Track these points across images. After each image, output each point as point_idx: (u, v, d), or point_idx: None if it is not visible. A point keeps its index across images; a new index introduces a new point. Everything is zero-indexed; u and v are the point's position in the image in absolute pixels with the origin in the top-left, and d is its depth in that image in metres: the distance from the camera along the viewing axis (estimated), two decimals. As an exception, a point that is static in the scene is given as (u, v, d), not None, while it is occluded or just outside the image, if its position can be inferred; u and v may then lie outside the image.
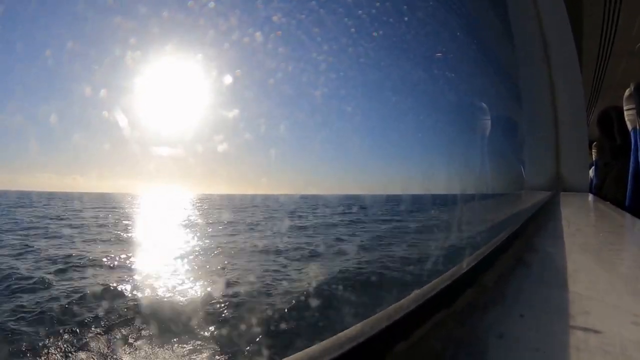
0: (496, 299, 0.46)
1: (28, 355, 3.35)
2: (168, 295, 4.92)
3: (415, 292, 0.38)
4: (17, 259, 6.76)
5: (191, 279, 5.72)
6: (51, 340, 3.53)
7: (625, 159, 1.97)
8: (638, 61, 4.48)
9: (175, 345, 3.44)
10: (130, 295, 4.85)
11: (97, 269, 6.28)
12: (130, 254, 7.40)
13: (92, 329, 3.74)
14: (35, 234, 9.68)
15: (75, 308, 4.24)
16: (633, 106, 1.80)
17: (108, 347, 3.46)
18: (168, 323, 3.83)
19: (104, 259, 6.88)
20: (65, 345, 3.47)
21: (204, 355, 3.28)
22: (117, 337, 3.61)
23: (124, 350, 3.42)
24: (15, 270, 5.84)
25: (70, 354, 3.34)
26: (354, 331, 0.29)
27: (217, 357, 3.23)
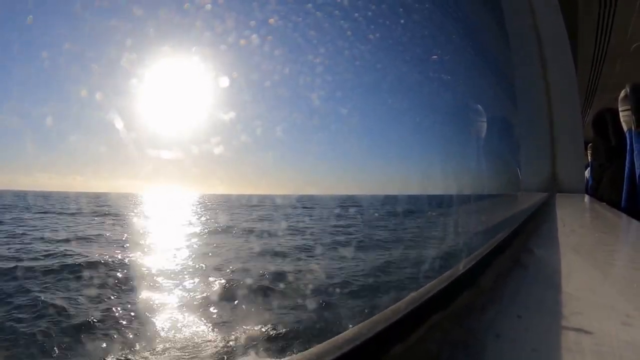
0: (493, 300, 0.46)
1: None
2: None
3: (412, 294, 0.38)
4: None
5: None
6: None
7: (620, 160, 1.98)
8: (633, 62, 4.52)
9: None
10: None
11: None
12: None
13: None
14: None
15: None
16: (628, 107, 1.81)
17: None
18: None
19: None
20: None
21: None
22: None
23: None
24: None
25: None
26: (350, 333, 0.29)
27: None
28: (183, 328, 3.98)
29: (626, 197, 1.85)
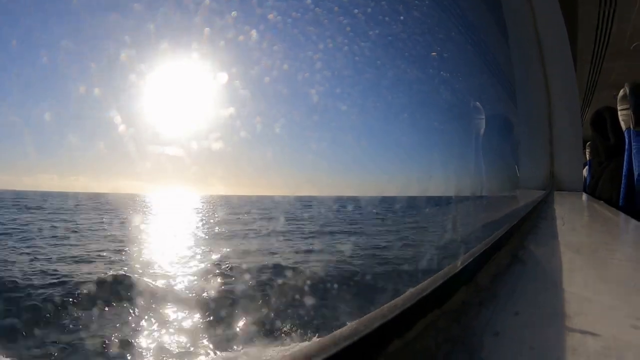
0: (491, 297, 0.46)
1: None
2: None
3: (410, 291, 0.38)
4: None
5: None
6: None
7: (618, 159, 1.99)
8: (632, 61, 4.52)
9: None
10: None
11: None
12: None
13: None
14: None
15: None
16: (627, 106, 1.81)
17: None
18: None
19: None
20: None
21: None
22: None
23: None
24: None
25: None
26: (348, 330, 0.29)
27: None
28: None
29: (624, 195, 1.86)
